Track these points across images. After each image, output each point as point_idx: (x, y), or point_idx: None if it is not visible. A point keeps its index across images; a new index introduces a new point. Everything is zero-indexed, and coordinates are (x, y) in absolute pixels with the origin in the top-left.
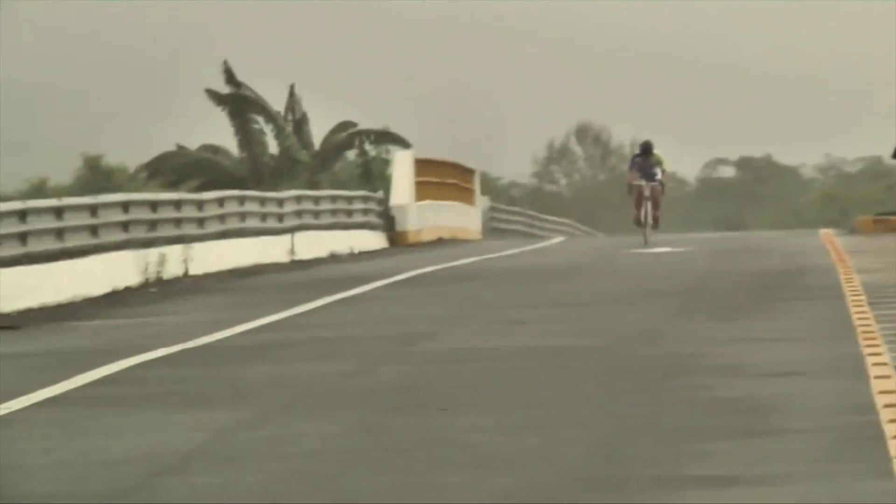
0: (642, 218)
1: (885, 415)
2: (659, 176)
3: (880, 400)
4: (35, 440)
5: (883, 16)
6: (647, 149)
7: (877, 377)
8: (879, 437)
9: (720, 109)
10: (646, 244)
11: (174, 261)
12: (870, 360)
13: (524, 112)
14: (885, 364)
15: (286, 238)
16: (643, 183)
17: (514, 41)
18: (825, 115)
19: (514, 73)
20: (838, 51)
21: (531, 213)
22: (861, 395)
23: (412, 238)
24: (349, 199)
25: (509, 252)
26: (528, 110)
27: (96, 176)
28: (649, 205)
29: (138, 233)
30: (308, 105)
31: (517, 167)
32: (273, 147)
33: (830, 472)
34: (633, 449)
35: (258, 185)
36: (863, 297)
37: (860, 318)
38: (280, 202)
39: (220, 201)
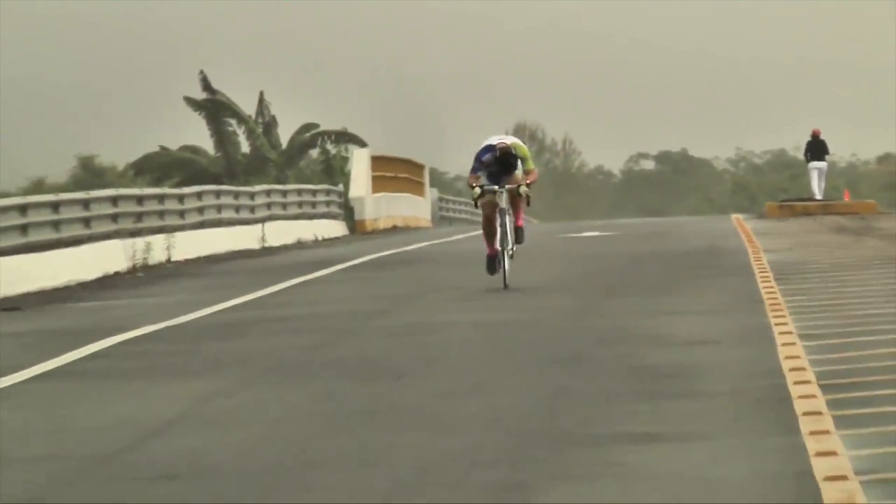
0: (499, 239)
1: (790, 378)
2: (521, 175)
3: (786, 364)
4: (33, 409)
5: (787, 18)
6: (506, 162)
7: (783, 344)
8: (786, 399)
9: (641, 108)
10: (506, 286)
11: (158, 248)
12: (777, 329)
13: (468, 114)
14: (790, 333)
15: (257, 227)
16: (495, 188)
17: (458, 50)
18: (735, 112)
19: (460, 78)
20: (747, 51)
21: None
22: (770, 361)
23: (369, 226)
24: (313, 193)
25: (456, 238)
26: (472, 112)
27: (89, 174)
28: (508, 221)
29: (126, 224)
30: (276, 109)
31: (462, 163)
32: (245, 147)
33: (744, 430)
34: (568, 410)
35: (232, 180)
36: (770, 274)
37: (768, 293)
38: (252, 195)
39: (199, 195)
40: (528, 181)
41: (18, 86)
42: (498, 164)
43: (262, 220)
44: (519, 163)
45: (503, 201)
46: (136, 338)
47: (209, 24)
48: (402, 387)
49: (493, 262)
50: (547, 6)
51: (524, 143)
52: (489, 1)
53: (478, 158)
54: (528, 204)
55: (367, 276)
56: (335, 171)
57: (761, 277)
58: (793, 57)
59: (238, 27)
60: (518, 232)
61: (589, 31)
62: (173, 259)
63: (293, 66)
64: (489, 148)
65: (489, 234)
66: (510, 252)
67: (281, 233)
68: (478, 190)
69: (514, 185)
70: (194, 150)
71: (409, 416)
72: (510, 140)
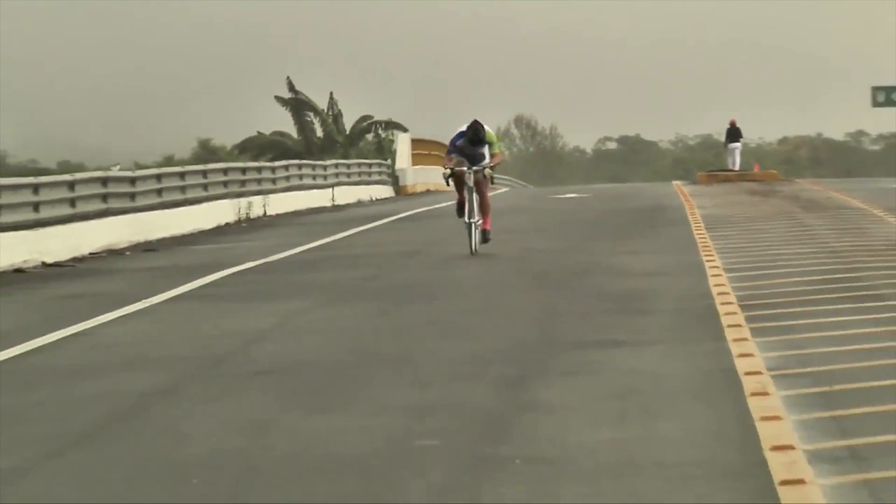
0: (466, 213)
1: (718, 300)
2: (487, 160)
3: (715, 290)
4: (168, 322)
5: (708, 20)
6: (477, 138)
7: (712, 276)
8: (715, 315)
9: (606, 102)
10: (474, 252)
11: (257, 206)
12: (707, 264)
13: (480, 106)
14: (717, 267)
15: (329, 191)
16: (464, 169)
17: (473, 55)
18: (674, 106)
19: (474, 78)
20: (684, 57)
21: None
22: (702, 288)
23: (410, 190)
24: (369, 165)
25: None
26: (483, 104)
27: (206, 152)
28: (475, 199)
29: (234, 188)
30: (342, 104)
31: None
32: (319, 132)
33: (684, 337)
34: (558, 323)
35: (310, 157)
36: (702, 224)
37: (700, 238)
38: (325, 168)
39: (286, 167)
40: (492, 163)
41: (154, 84)
42: (467, 136)
43: (332, 186)
44: (486, 147)
45: (469, 179)
46: (242, 270)
47: (293, 40)
48: (437, 306)
49: (461, 208)
50: (533, 18)
51: (516, 130)
52: (501, 9)
53: (452, 143)
54: (491, 182)
55: (408, 226)
56: (385, 150)
57: (695, 227)
58: (716, 58)
59: (314, 42)
60: (484, 234)
61: (567, 38)
62: (268, 214)
63: (353, 71)
64: (462, 134)
65: (458, 189)
66: (477, 224)
67: (346, 194)
68: (448, 170)
69: (481, 168)
70: (282, 134)
71: (440, 328)
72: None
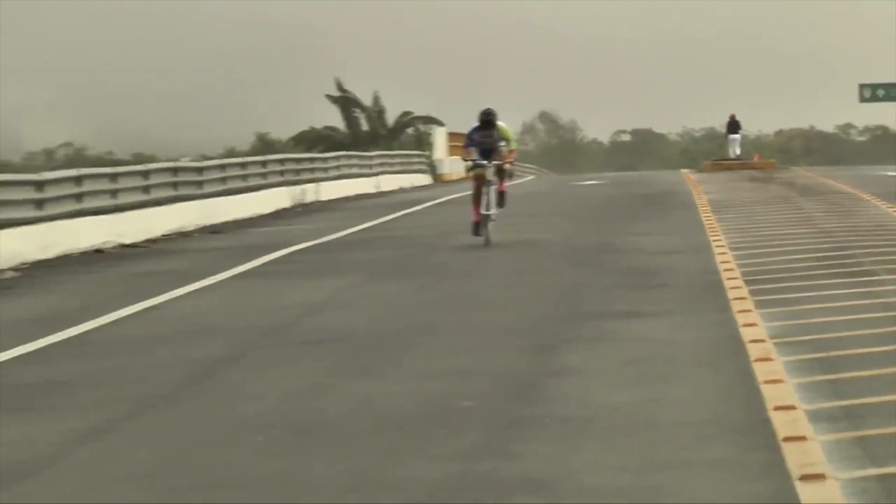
0: (483, 205)
1: (724, 275)
2: (505, 152)
3: (721, 266)
4: (233, 296)
5: (716, 27)
6: (488, 119)
7: (718, 253)
8: (721, 289)
9: (622, 98)
10: (487, 243)
11: (310, 192)
12: (714, 243)
13: (510, 102)
14: (722, 246)
15: (374, 179)
16: (485, 163)
17: (503, 54)
18: (682, 101)
19: (504, 77)
20: (692, 55)
21: (516, 163)
22: (709, 264)
23: (446, 178)
24: (409, 156)
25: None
26: (512, 101)
27: (264, 144)
28: (492, 192)
29: (289, 177)
30: (385, 102)
31: None
32: (365, 126)
33: (693, 308)
34: (580, 297)
35: (357, 148)
36: (708, 208)
37: (707, 220)
38: (370, 158)
39: (336, 158)
40: (510, 160)
41: (218, 84)
42: (480, 123)
43: (377, 174)
44: (503, 142)
45: (490, 174)
46: (297, 250)
47: (342, 45)
48: (470, 282)
49: (477, 227)
50: (556, 22)
51: (540, 124)
52: (528, 13)
53: (469, 136)
54: (510, 177)
55: (446, 210)
56: (423, 142)
57: (702, 210)
58: (719, 58)
59: (359, 46)
60: (501, 196)
61: (587, 40)
62: (320, 199)
63: (396, 73)
64: (478, 128)
65: (477, 200)
66: (493, 217)
67: (389, 182)
68: (470, 163)
69: (500, 162)
70: (332, 129)
71: (473, 301)
72: (500, 122)
